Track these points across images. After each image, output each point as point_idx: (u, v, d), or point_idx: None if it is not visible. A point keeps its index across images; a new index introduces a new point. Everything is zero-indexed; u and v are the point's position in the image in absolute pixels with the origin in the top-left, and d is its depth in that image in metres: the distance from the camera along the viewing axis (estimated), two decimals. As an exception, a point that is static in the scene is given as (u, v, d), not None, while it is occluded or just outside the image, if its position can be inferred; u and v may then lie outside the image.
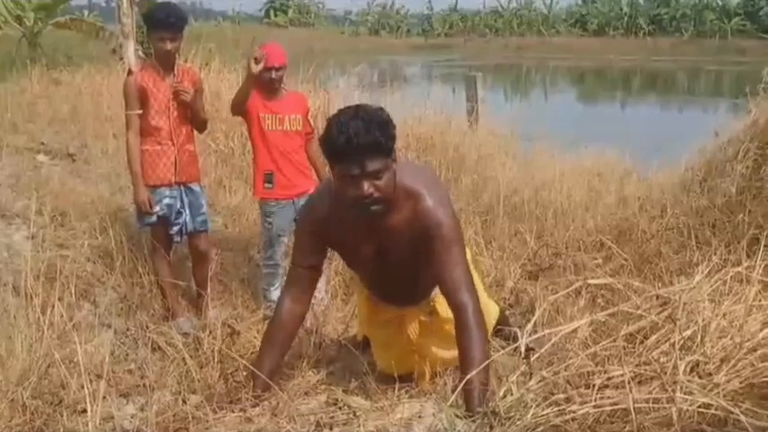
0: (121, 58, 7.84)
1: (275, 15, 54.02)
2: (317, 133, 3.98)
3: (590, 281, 2.06)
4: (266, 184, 3.70)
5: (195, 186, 3.65)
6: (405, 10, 58.71)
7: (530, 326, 1.85)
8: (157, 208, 3.51)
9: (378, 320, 2.53)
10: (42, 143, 5.28)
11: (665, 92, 22.79)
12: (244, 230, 4.77)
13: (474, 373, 1.78)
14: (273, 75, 3.60)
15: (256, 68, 3.47)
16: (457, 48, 44.79)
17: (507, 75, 28.30)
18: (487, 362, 1.86)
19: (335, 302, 3.83)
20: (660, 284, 2.78)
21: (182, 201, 3.59)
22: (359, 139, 1.91)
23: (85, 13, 16.51)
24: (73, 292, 3.03)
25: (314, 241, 2.21)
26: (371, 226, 2.12)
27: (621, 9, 51.19)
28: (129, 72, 3.53)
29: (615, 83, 26.91)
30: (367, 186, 1.97)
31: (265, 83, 3.64)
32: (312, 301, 3.62)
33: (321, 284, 3.68)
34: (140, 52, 7.63)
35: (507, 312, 3.30)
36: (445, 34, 54.83)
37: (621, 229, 4.17)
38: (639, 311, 1.88)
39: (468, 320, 1.95)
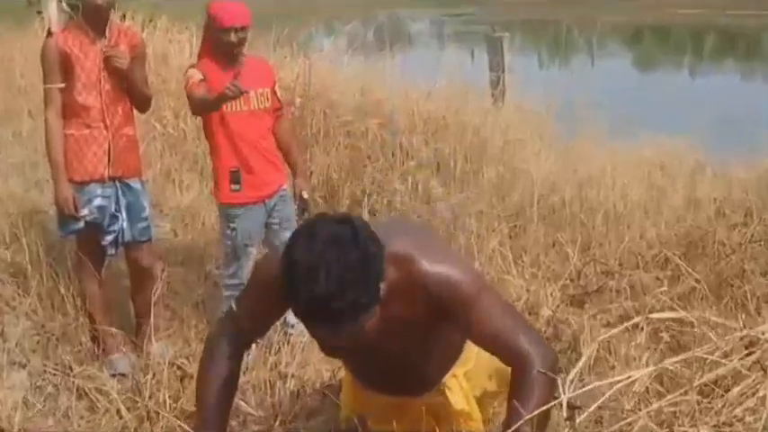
0: (39, 12, 7.85)
1: (242, -46, 54.39)
2: (288, 110, 3.99)
3: (653, 316, 2.03)
4: (232, 185, 3.70)
5: (135, 183, 3.66)
6: (410, -52, 59.25)
7: (574, 373, 1.83)
8: (85, 211, 3.51)
9: (368, 405, 2.46)
10: (-64, 123, 5.35)
11: (746, 57, 22.80)
12: (198, 238, 4.76)
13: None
14: (233, 37, 3.59)
15: (236, 94, 3.45)
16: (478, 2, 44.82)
17: (541, 34, 28.19)
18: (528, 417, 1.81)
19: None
20: (745, 316, 2.75)
21: (117, 202, 3.60)
22: (329, 307, 1.76)
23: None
24: (-26, 320, 3.04)
25: (271, 308, 2.13)
26: None
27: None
28: (49, 33, 3.52)
29: (682, 44, 26.89)
30: (344, 341, 1.88)
31: (223, 49, 3.62)
32: (287, 329, 3.51)
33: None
34: (64, 5, 7.60)
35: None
36: None
37: (692, 240, 4.15)
38: (716, 355, 1.85)
39: (529, 373, 1.90)
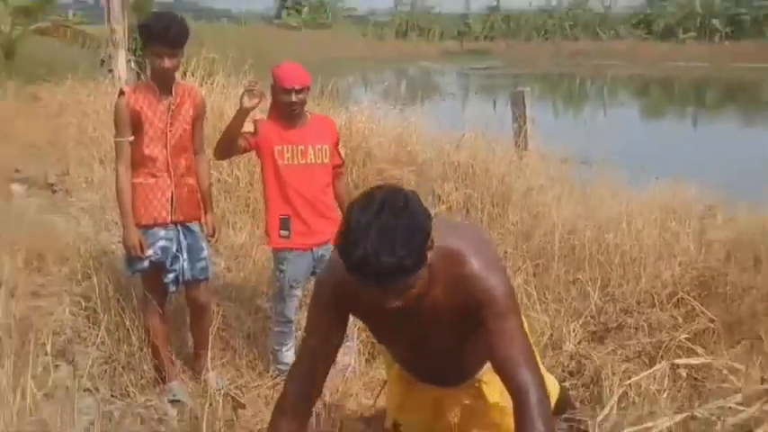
0: (110, 71, 7.98)
1: (288, 15, 55.03)
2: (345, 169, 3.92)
3: (679, 362, 1.95)
4: (282, 231, 3.67)
5: (194, 226, 3.66)
6: (437, 9, 59.38)
7: (603, 415, 1.76)
8: (150, 252, 3.51)
9: (411, 403, 2.46)
10: (17, 170, 5.41)
11: (746, 105, 22.61)
12: (249, 275, 4.77)
13: None
14: (294, 98, 3.58)
15: (250, 103, 3.44)
16: (498, 53, 44.92)
17: (557, 86, 28.28)
18: None
19: (360, 363, 3.78)
20: (761, 359, 2.66)
21: (179, 243, 3.60)
22: (378, 262, 1.78)
23: (69, 13, 16.67)
24: (49, 350, 3.01)
25: (334, 312, 2.15)
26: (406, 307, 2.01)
27: (693, 8, 51.09)
28: (121, 93, 3.55)
29: (686, 95, 26.79)
30: (392, 300, 1.89)
31: (283, 108, 3.61)
32: (334, 368, 3.61)
33: (348, 342, 3.60)
34: (132, 63, 7.71)
35: (567, 384, 3.20)
36: (484, 37, 54.91)
37: (705, 281, 4.10)
38: (737, 400, 1.77)
39: (530, 406, 1.88)
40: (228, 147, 3.64)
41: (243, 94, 3.45)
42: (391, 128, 6.79)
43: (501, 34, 55.19)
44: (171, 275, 3.59)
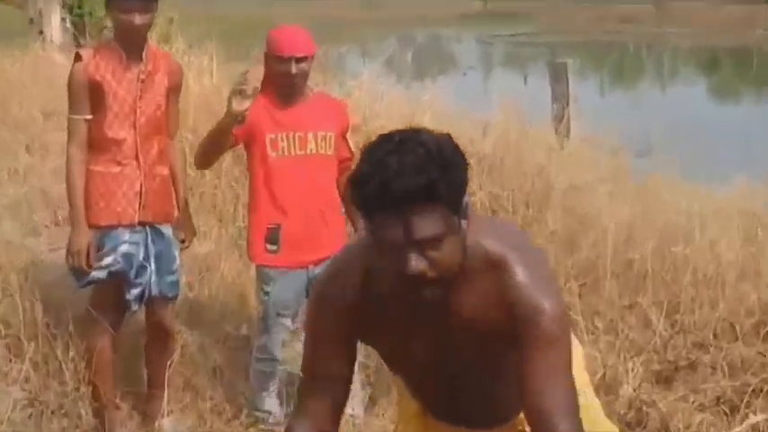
0: (41, 32, 7.95)
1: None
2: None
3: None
4: (269, 245, 3.65)
5: (166, 229, 3.66)
6: (453, -39, 59.83)
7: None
8: (109, 259, 3.48)
9: None
10: None
11: None
12: (216, 295, 4.73)
13: None
14: (294, 69, 3.56)
15: (240, 106, 3.40)
16: (530, 16, 44.82)
17: (604, 57, 28.24)
18: None
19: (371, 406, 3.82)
20: None
21: (146, 250, 3.58)
22: (402, 183, 1.80)
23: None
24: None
25: (338, 336, 2.12)
26: (427, 311, 2.02)
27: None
28: (77, 57, 3.53)
29: (766, 70, 26.76)
30: (415, 261, 1.87)
31: (279, 82, 3.62)
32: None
33: (353, 388, 3.68)
34: (68, 23, 7.69)
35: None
36: None
37: (800, 306, 4.16)
38: None
39: None
40: (213, 156, 3.70)
41: (231, 93, 3.43)
42: (397, 108, 6.77)
43: (532, -8, 55.49)
44: (135, 291, 3.57)
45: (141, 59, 3.52)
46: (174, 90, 3.64)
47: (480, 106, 6.80)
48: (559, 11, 46.82)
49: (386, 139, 1.87)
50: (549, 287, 2.02)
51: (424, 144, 1.83)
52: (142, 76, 3.51)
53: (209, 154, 3.71)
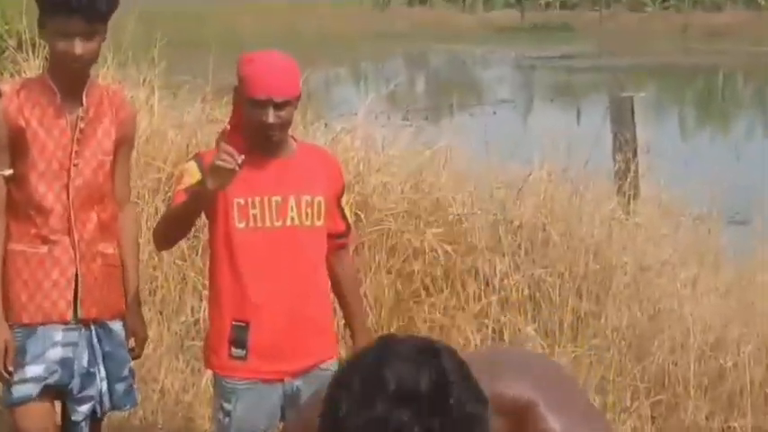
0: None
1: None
2: (355, 236, 4.10)
3: None
4: (233, 349, 3.60)
5: (115, 325, 3.71)
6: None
7: None
8: (38, 369, 3.51)
9: None
10: None
11: None
12: (152, 416, 4.74)
13: None
14: (271, 116, 3.50)
15: (215, 183, 3.33)
16: (584, 31, 44.96)
17: (686, 87, 28.16)
18: None
19: None
20: None
21: (92, 351, 3.64)
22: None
23: None
24: None
25: None
26: None
27: None
28: (-6, 93, 3.67)
29: None
30: None
31: (253, 131, 3.57)
32: None
33: None
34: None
35: None
36: (560, 5, 56.08)
37: None
38: None
39: None
40: (180, 233, 3.69)
41: (211, 170, 3.37)
42: (403, 159, 6.71)
43: (586, 0, 55.89)
44: (84, 407, 3.64)
45: (81, 101, 3.53)
46: (124, 143, 3.67)
47: (516, 156, 6.67)
48: (624, 22, 46.25)
49: (374, 377, 1.82)
50: (589, 425, 2.12)
51: (432, 401, 1.79)
52: (81, 124, 3.52)
53: (173, 230, 3.63)
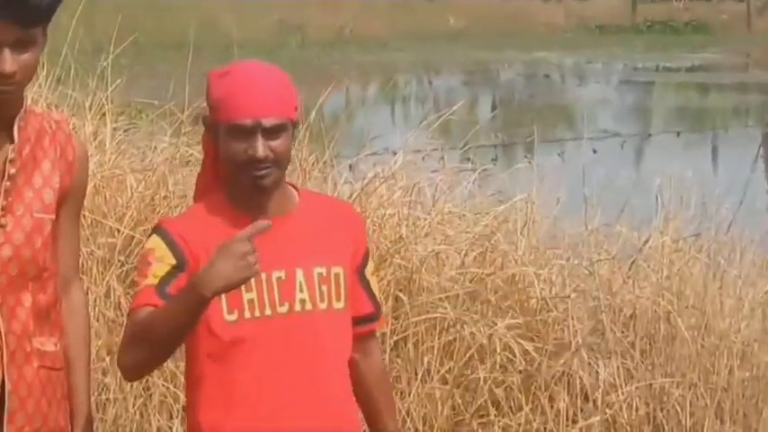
0: None
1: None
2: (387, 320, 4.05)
3: None
4: None
5: None
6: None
7: None
8: None
9: None
10: None
11: None
12: None
13: None
14: (260, 149, 3.40)
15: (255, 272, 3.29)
16: (724, 32, 41.02)
17: None
18: None
19: None
20: None
21: None
22: None
23: None
24: None
25: None
26: None
27: None
28: None
29: None
30: None
31: (240, 173, 3.50)
32: None
33: None
34: None
35: None
36: None
37: None
38: None
39: None
40: (161, 358, 3.61)
41: (224, 264, 3.30)
42: (463, 218, 6.75)
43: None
44: None
45: (11, 137, 3.48)
46: (72, 195, 3.58)
47: (627, 214, 6.59)
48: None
49: None
50: None
51: None
52: (10, 169, 3.50)
53: (154, 353, 3.54)
